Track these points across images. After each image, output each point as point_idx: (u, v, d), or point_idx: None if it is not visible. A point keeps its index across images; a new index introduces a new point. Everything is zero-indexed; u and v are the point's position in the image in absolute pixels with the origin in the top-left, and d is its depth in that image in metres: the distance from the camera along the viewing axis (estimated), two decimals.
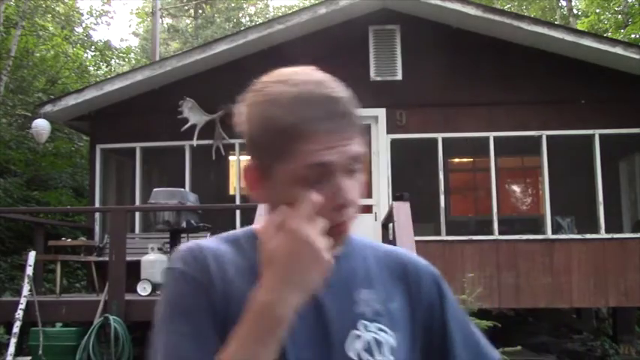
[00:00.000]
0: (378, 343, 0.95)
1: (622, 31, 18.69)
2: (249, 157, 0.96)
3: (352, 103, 0.92)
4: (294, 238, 0.82)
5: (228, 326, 0.86)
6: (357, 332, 0.94)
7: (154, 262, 6.77)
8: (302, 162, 0.88)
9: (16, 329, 6.05)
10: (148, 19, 24.40)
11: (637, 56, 8.01)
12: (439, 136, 8.46)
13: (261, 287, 0.83)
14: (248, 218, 7.88)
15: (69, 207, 12.20)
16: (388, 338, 0.96)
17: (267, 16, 26.81)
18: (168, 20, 27.86)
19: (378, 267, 1.03)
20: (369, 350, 0.94)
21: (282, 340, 0.84)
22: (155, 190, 7.22)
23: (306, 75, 0.92)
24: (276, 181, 0.90)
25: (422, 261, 1.08)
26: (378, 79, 8.59)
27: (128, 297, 6.28)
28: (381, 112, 8.47)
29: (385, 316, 0.98)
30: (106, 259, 7.01)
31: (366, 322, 0.96)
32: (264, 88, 0.92)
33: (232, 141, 8.45)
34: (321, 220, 0.85)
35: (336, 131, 0.88)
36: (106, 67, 20.89)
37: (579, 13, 22.19)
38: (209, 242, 0.98)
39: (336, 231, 0.89)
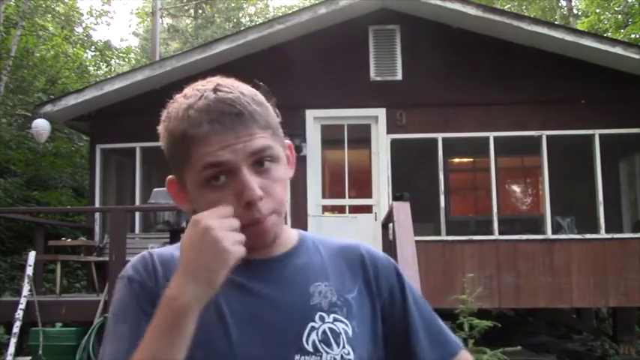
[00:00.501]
0: (335, 333, 0.96)
1: (622, 31, 18.69)
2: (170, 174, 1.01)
3: (255, 101, 0.95)
4: (196, 231, 0.86)
5: None
6: (314, 324, 0.96)
7: None
8: (198, 166, 0.92)
9: (16, 329, 6.05)
10: (148, 19, 24.40)
11: (637, 56, 8.01)
12: (439, 136, 8.46)
13: (170, 282, 0.87)
14: None
15: (69, 207, 12.20)
16: (345, 328, 0.97)
17: (267, 16, 26.82)
18: (168, 20, 27.87)
19: (334, 260, 1.05)
20: (325, 341, 0.95)
21: (205, 335, 0.89)
22: (155, 190, 7.22)
23: (203, 84, 0.97)
24: (190, 189, 0.95)
25: (380, 253, 1.10)
26: (378, 79, 8.59)
27: None
28: (381, 112, 8.47)
29: (342, 307, 0.99)
30: (106, 259, 7.01)
31: (322, 313, 0.97)
32: (168, 108, 0.98)
33: None
34: (233, 219, 0.88)
35: (228, 131, 0.91)
36: (106, 67, 20.89)
37: (579, 13, 22.20)
38: (163, 249, 1.03)
39: (256, 230, 0.92)
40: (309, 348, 0.94)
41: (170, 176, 1.01)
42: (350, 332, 0.98)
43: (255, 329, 0.94)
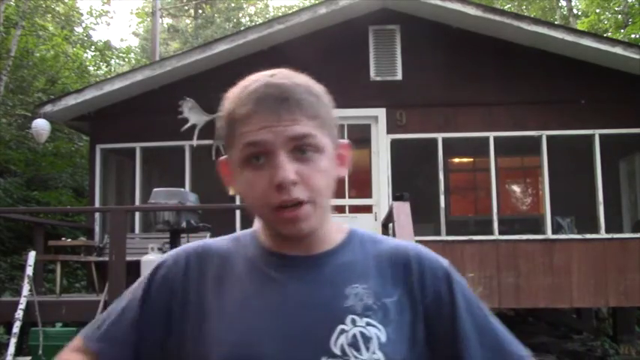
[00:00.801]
0: (366, 338, 0.94)
1: (622, 31, 18.69)
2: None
3: (308, 91, 0.96)
4: None
5: (173, 319, 0.99)
6: (344, 327, 0.93)
7: (153, 262, 6.73)
8: (240, 145, 0.94)
9: (16, 329, 6.05)
10: (148, 19, 24.40)
11: (637, 56, 8.00)
12: (439, 136, 8.46)
13: None
14: (248, 218, 7.87)
15: (69, 207, 12.20)
16: (378, 333, 0.94)
17: (267, 16, 26.82)
18: (168, 20, 27.87)
19: (379, 261, 1.02)
20: (354, 345, 0.93)
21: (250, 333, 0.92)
22: (155, 190, 7.21)
23: (264, 72, 0.99)
24: (234, 169, 0.99)
25: (430, 254, 1.06)
26: (378, 79, 8.59)
27: None
28: (381, 112, 8.47)
29: (377, 311, 0.96)
30: (106, 259, 7.00)
31: (355, 316, 0.95)
32: (229, 91, 1.01)
33: None
34: None
35: (271, 113, 0.93)
36: (106, 67, 20.89)
37: (579, 13, 22.20)
38: (219, 240, 1.08)
39: (286, 215, 0.93)
40: (337, 351, 0.92)
41: (223, 157, 1.04)
42: (383, 338, 0.94)
43: (282, 329, 0.93)
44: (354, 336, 0.93)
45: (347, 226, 1.07)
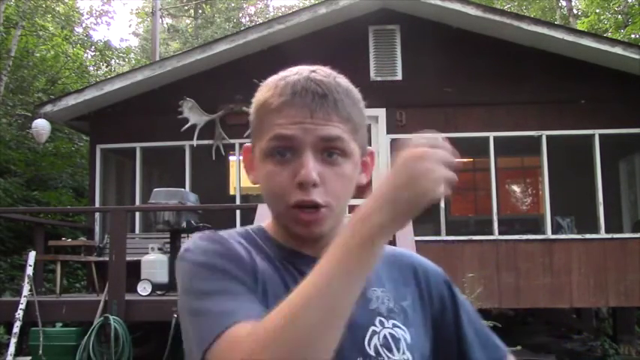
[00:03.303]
0: (395, 339, 0.95)
1: (622, 31, 18.68)
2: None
3: (346, 93, 0.94)
4: (412, 155, 0.82)
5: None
6: (375, 328, 0.94)
7: (154, 262, 6.77)
8: (268, 135, 0.91)
9: (16, 329, 6.05)
10: (148, 19, 24.40)
11: (637, 56, 8.00)
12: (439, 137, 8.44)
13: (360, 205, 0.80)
14: (248, 218, 7.87)
15: (69, 207, 12.20)
16: (404, 334, 0.96)
17: (267, 16, 26.80)
18: (168, 20, 27.86)
19: (388, 267, 1.03)
20: (387, 346, 0.94)
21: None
22: (155, 190, 7.22)
23: (306, 66, 0.96)
24: (257, 159, 0.96)
25: (430, 263, 1.10)
26: (378, 79, 8.59)
27: (128, 297, 6.28)
28: (381, 112, 8.47)
29: (399, 314, 0.98)
30: (106, 259, 7.01)
31: (382, 318, 0.96)
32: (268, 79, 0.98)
33: (232, 141, 8.44)
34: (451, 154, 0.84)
35: (305, 108, 0.90)
36: (106, 67, 20.88)
37: (579, 13, 22.19)
38: (225, 233, 0.98)
39: (302, 216, 0.90)
40: (371, 352, 0.92)
41: (247, 144, 1.01)
42: (409, 339, 0.96)
43: None
44: (385, 337, 0.94)
45: None
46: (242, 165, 1.02)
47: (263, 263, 0.93)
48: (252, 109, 0.97)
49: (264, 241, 0.98)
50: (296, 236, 0.95)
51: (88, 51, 20.14)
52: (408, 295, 1.02)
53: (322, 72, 0.95)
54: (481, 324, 1.08)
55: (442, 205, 8.39)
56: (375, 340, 0.93)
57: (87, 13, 21.23)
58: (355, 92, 0.98)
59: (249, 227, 1.02)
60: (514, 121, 8.44)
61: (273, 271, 0.93)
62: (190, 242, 0.93)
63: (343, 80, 0.96)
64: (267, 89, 0.94)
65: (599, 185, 8.27)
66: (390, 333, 0.95)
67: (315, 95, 0.90)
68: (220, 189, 10.34)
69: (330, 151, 0.91)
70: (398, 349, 0.94)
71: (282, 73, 0.95)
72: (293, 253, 0.96)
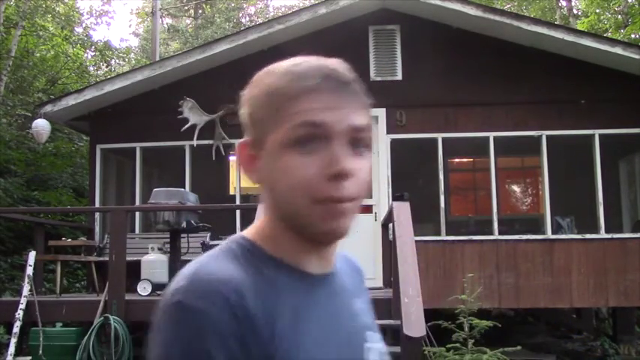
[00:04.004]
0: (384, 354, 0.92)
1: (622, 31, 18.68)
2: (242, 140, 0.90)
3: (359, 82, 0.86)
4: None
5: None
6: (368, 344, 0.90)
7: (154, 262, 6.78)
8: (293, 123, 0.80)
9: (16, 329, 6.05)
10: (148, 19, 24.40)
11: (637, 56, 8.01)
12: (439, 136, 8.46)
13: None
14: (248, 218, 7.87)
15: (69, 207, 12.20)
16: (384, 348, 0.93)
17: (267, 16, 26.81)
18: (168, 20, 27.86)
19: (351, 273, 0.98)
20: None
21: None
22: (155, 190, 7.22)
23: (305, 56, 0.89)
24: (267, 152, 0.83)
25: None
26: (378, 79, 8.59)
27: (128, 297, 6.29)
28: (381, 112, 8.47)
29: (375, 326, 0.94)
30: (106, 259, 7.01)
31: (369, 332, 0.91)
32: (260, 73, 0.89)
33: (232, 141, 8.45)
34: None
35: (337, 94, 0.82)
36: (106, 67, 20.89)
37: (579, 13, 22.20)
38: (215, 267, 0.79)
39: (335, 209, 0.80)
40: None
41: (243, 139, 0.89)
42: (384, 349, 0.92)
43: (330, 349, 0.83)
44: (379, 352, 0.91)
45: None
46: (238, 165, 0.92)
47: (258, 291, 0.79)
48: (255, 100, 0.86)
49: (261, 260, 0.83)
50: (314, 237, 0.83)
51: (88, 51, 20.14)
52: (367, 301, 0.98)
53: (332, 60, 0.87)
54: None
55: (442, 205, 8.39)
56: (371, 356, 0.89)
57: (87, 13, 21.25)
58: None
59: (234, 245, 0.85)
60: (514, 121, 8.44)
61: (268, 293, 0.80)
62: (164, 308, 0.76)
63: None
64: (278, 76, 0.84)
65: (599, 185, 8.27)
66: (378, 347, 0.91)
67: (339, 82, 0.82)
68: (220, 189, 10.34)
69: (357, 142, 0.82)
70: None
71: (286, 62, 0.86)
72: (296, 271, 0.85)
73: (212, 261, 0.81)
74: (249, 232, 0.88)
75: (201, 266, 0.79)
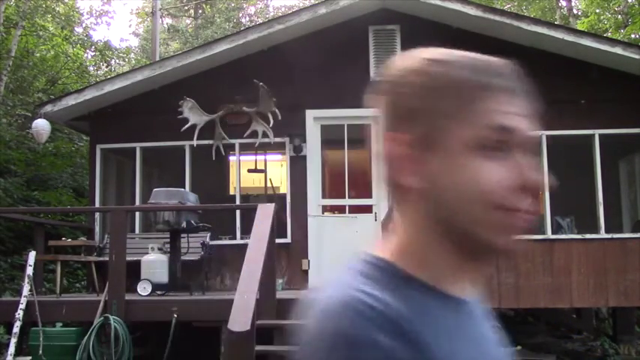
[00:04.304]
0: None
1: (622, 31, 18.69)
2: (388, 135, 0.78)
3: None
4: None
5: None
6: None
7: (154, 262, 6.78)
8: (485, 122, 0.72)
9: (16, 329, 6.05)
10: (148, 19, 24.39)
11: (637, 56, 8.01)
12: None
13: None
14: (248, 218, 7.87)
15: (69, 207, 12.21)
16: None
17: (267, 16, 26.81)
18: (168, 20, 27.86)
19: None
20: None
21: None
22: (155, 190, 7.22)
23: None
24: (443, 153, 0.73)
25: None
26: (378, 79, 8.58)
27: (128, 297, 6.29)
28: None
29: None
30: (106, 259, 7.01)
31: None
32: (422, 56, 0.82)
33: (232, 141, 8.44)
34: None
35: (526, 101, 0.76)
36: (106, 67, 20.90)
37: (579, 13, 22.20)
38: (369, 292, 0.68)
39: (519, 221, 0.73)
40: None
41: (393, 133, 0.77)
42: None
43: None
44: None
45: None
46: (387, 165, 0.77)
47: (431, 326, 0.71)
48: (428, 89, 0.77)
49: (409, 285, 0.73)
50: (485, 249, 0.75)
51: (88, 51, 20.15)
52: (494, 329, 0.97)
53: (502, 60, 0.80)
54: None
55: None
56: None
57: (87, 13, 21.26)
58: None
59: (376, 266, 0.74)
60: None
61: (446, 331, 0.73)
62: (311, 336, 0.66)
63: None
64: (463, 67, 0.77)
65: (599, 185, 8.27)
66: None
67: (523, 87, 0.77)
68: (220, 189, 10.34)
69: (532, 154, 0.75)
70: None
71: (456, 52, 0.80)
72: (448, 298, 0.76)
73: (357, 284, 0.69)
74: (382, 249, 0.76)
75: (352, 291, 0.68)
